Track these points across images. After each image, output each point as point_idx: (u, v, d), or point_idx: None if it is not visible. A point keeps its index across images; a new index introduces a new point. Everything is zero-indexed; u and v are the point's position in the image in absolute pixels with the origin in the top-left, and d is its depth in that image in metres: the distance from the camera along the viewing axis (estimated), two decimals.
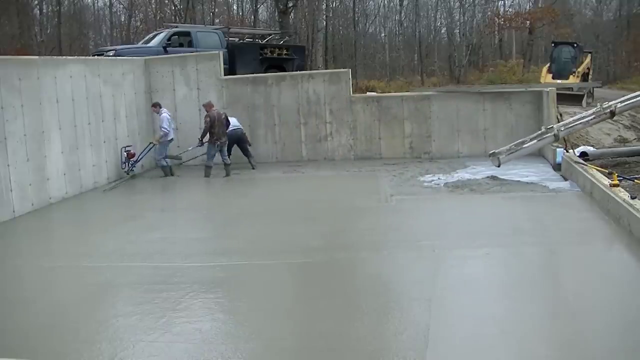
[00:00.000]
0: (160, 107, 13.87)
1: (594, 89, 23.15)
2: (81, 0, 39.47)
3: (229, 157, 13.64)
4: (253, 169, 14.11)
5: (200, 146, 13.71)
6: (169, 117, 13.70)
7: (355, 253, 7.72)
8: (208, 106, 13.44)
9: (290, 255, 7.72)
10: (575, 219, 8.69)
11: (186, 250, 8.07)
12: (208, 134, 13.32)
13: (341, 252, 7.72)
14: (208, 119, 13.19)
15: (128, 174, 13.56)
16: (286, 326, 5.71)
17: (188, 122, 15.00)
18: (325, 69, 31.62)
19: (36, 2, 35.01)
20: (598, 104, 13.13)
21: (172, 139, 13.82)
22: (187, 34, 19.12)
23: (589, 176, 9.92)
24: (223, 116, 13.51)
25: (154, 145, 13.72)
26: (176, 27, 21.51)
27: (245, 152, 14.31)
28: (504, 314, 5.61)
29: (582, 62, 23.96)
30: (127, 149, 13.63)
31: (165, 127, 13.47)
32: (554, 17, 36.15)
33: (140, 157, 13.91)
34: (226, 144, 13.57)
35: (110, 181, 13.25)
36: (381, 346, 5.08)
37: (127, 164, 13.56)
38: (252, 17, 38.22)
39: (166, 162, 13.72)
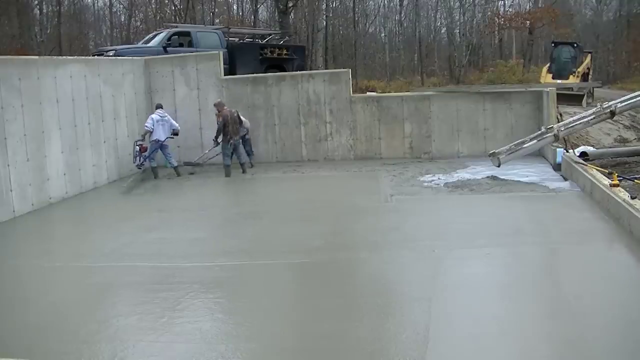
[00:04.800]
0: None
1: (594, 89, 23.14)
2: (81, 0, 39.49)
3: (246, 155, 13.86)
4: (252, 166, 14.18)
5: (215, 147, 13.80)
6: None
7: (355, 253, 7.72)
8: (220, 106, 13.69)
9: (291, 255, 7.72)
10: (576, 219, 8.68)
11: (186, 250, 8.07)
12: (222, 134, 13.50)
13: (341, 252, 7.73)
14: (221, 119, 13.44)
15: (139, 168, 13.52)
16: (286, 326, 5.72)
17: (188, 122, 14.96)
18: (325, 69, 31.60)
19: (36, 2, 34.98)
20: (598, 104, 13.13)
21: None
22: (187, 34, 19.11)
23: (589, 176, 9.91)
24: (235, 114, 13.67)
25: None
26: (176, 27, 21.48)
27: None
28: (504, 314, 5.61)
29: (582, 62, 23.94)
30: (140, 142, 13.59)
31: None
32: (554, 17, 36.12)
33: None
34: (240, 143, 13.68)
35: (110, 181, 13.25)
36: (381, 346, 5.08)
37: (139, 157, 13.52)
38: (252, 17, 38.18)
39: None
